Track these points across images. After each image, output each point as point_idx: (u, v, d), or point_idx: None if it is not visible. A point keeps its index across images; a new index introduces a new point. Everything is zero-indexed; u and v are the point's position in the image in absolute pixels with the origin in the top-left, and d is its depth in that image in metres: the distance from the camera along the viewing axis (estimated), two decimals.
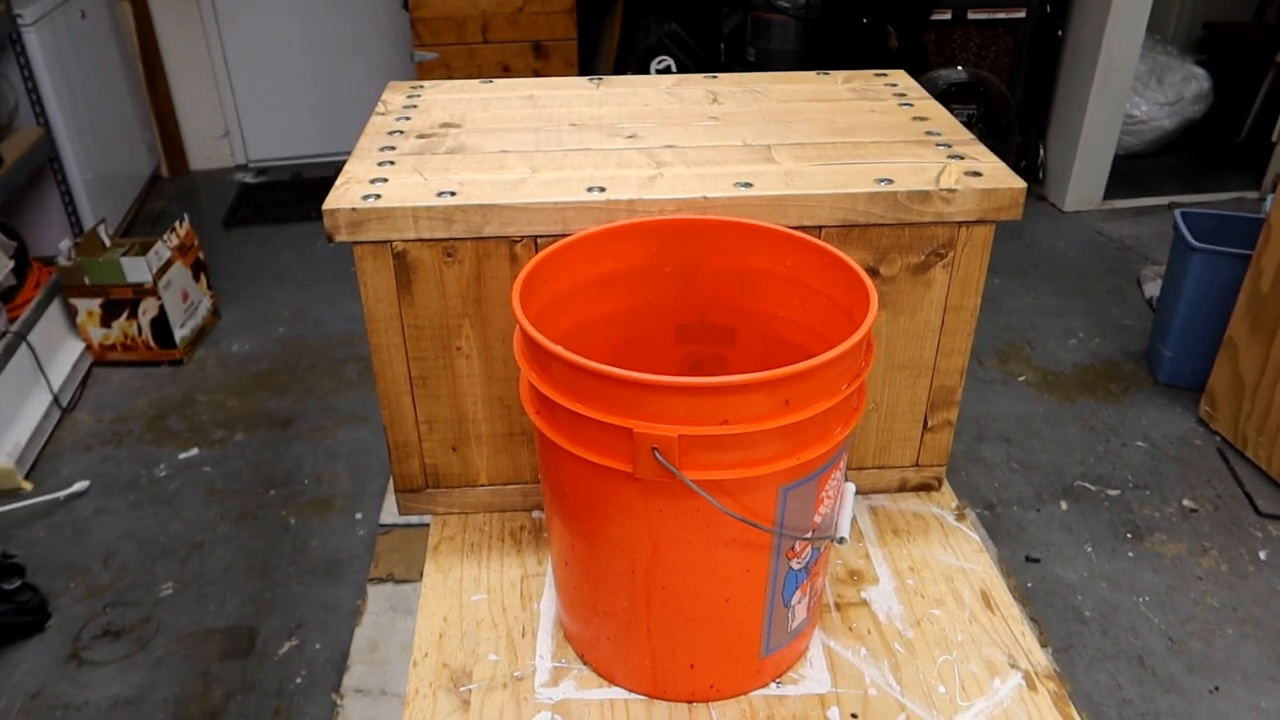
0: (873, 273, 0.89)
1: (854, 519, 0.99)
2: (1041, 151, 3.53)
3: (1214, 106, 3.73)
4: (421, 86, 1.13)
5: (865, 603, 0.90)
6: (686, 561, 0.72)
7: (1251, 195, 3.53)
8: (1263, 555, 1.99)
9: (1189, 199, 3.52)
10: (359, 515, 2.13)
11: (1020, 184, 0.86)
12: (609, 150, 0.94)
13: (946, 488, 1.04)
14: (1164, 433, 2.35)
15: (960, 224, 0.87)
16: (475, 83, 1.14)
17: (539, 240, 0.86)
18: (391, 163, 0.92)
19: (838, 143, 0.95)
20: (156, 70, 3.69)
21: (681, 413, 0.64)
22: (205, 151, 3.92)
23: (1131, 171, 3.62)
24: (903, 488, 1.03)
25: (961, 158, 0.91)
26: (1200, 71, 3.70)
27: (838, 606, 0.90)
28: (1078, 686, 1.72)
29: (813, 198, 0.85)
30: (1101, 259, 3.17)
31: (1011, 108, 3.26)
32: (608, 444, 0.67)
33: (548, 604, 0.90)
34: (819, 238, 0.87)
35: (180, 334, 2.63)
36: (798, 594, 0.78)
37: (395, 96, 1.10)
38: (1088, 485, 2.20)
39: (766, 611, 0.76)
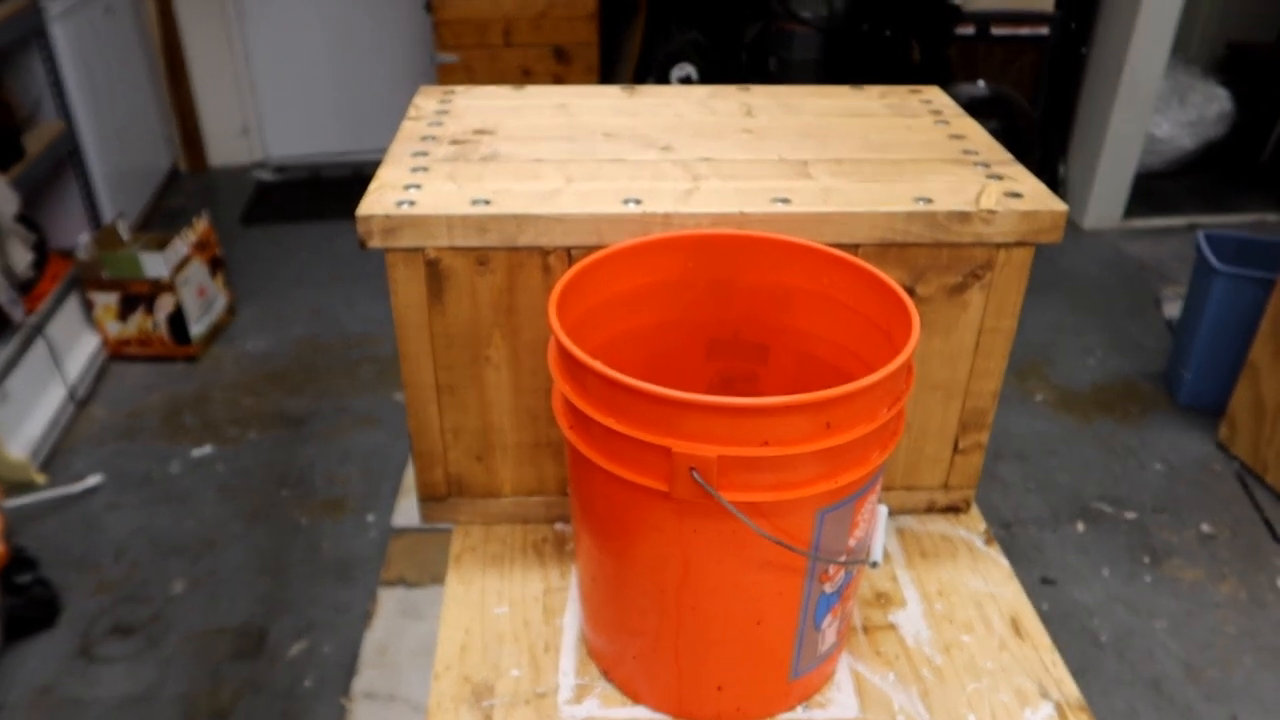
0: (909, 292, 0.88)
1: None
2: (1062, 169, 3.52)
3: (1235, 127, 3.71)
4: (453, 92, 1.12)
5: (893, 626, 0.89)
6: (718, 583, 0.71)
7: (1273, 218, 3.51)
8: None
9: (1209, 220, 3.50)
10: (371, 518, 2.13)
11: (1061, 207, 0.85)
12: (644, 161, 0.93)
13: (975, 510, 1.02)
14: (1182, 456, 2.33)
15: (999, 245, 0.86)
16: (507, 89, 1.13)
17: (572, 252, 0.85)
18: (425, 169, 0.91)
19: (874, 160, 0.94)
20: (179, 66, 3.70)
21: (722, 433, 0.63)
22: (224, 148, 3.93)
23: (1152, 191, 3.60)
24: (930, 509, 1.02)
25: (1001, 178, 0.90)
26: (1222, 92, 3.68)
27: (865, 629, 0.88)
28: (1094, 712, 1.70)
29: (851, 215, 0.84)
30: (1120, 278, 3.15)
31: (1033, 123, 3.24)
32: (644, 462, 0.66)
33: (571, 619, 0.89)
34: (856, 256, 0.86)
35: (196, 330, 2.63)
36: (829, 617, 0.77)
37: (427, 102, 1.09)
38: (1105, 507, 2.18)
39: (797, 635, 0.75)
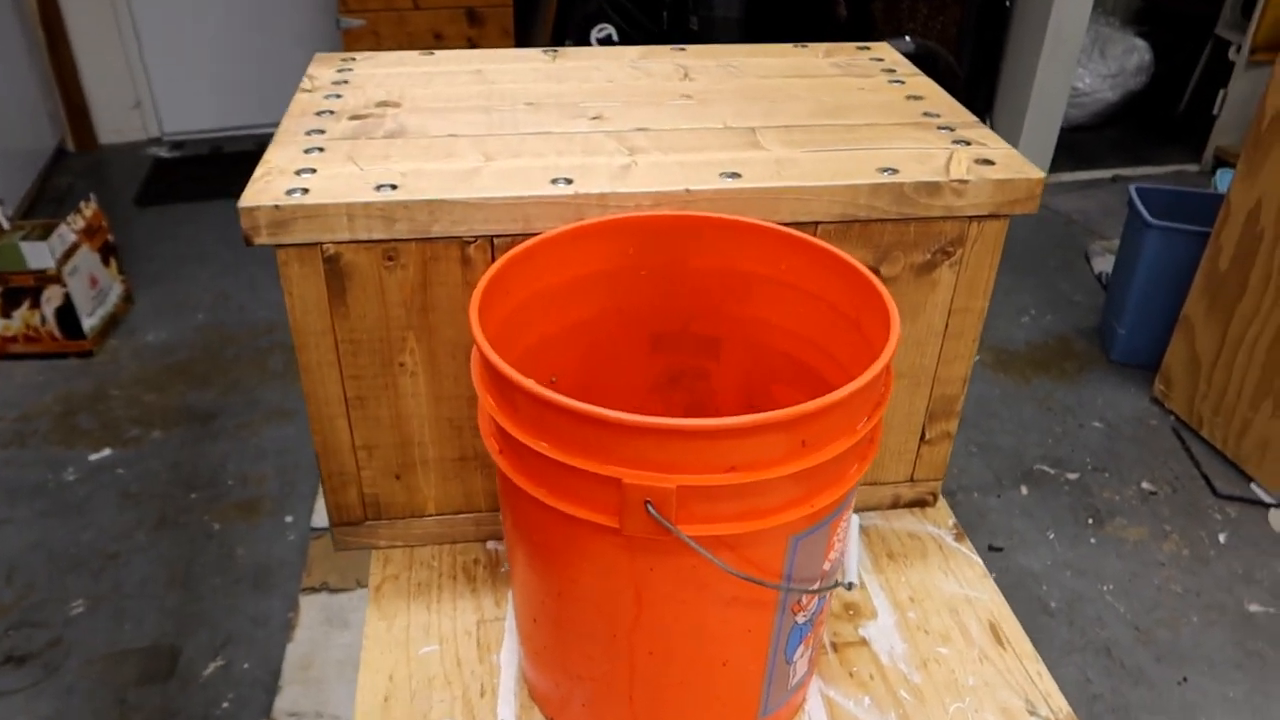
0: (873, 272, 0.79)
1: None
2: (989, 124, 3.48)
3: (1155, 78, 3.73)
4: (353, 59, 0.99)
5: (865, 641, 0.81)
6: (678, 624, 0.62)
7: (1191, 168, 3.54)
8: (1222, 538, 1.97)
9: (1131, 172, 3.51)
10: (289, 519, 1.99)
11: (1038, 173, 0.77)
12: (573, 134, 0.82)
13: (942, 504, 0.95)
14: (1119, 412, 2.33)
15: (971, 219, 0.78)
16: (415, 54, 1.01)
17: (496, 241, 0.74)
18: (320, 149, 0.79)
19: (829, 125, 0.85)
20: (58, 35, 3.42)
21: (681, 460, 0.53)
22: (115, 124, 3.66)
23: (1075, 144, 3.60)
24: (895, 504, 0.94)
25: (968, 143, 0.82)
26: (1141, 43, 3.69)
27: (835, 647, 0.80)
28: None
29: (809, 190, 0.74)
30: (1049, 234, 3.14)
31: (960, 80, 3.19)
32: (589, 494, 0.56)
33: (509, 655, 0.80)
34: (815, 235, 0.77)
35: (89, 323, 2.43)
36: (800, 648, 0.68)
37: (323, 70, 0.96)
38: (1047, 468, 2.16)
39: (766, 672, 0.66)
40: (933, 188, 0.75)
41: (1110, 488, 2.10)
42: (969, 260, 0.80)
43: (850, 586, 0.68)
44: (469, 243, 0.73)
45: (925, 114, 0.87)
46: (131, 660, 1.69)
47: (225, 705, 1.62)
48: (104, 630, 1.74)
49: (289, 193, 0.71)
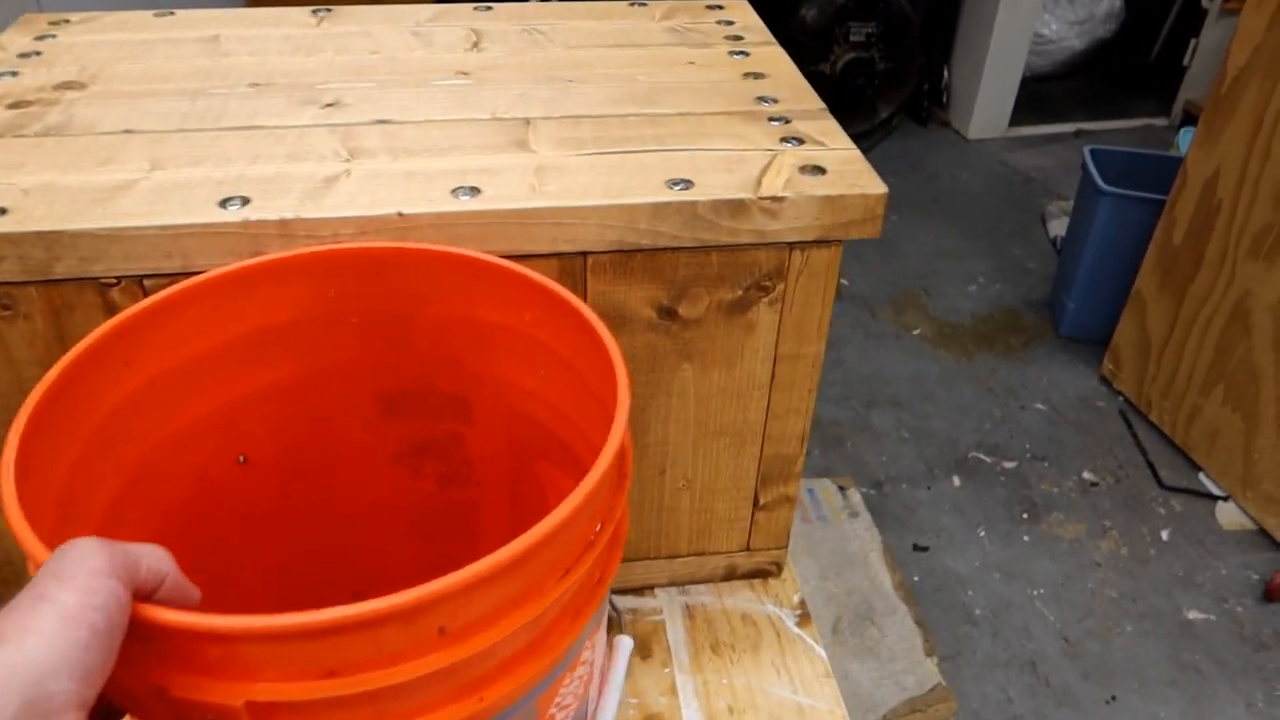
0: (669, 314, 0.62)
1: (664, 627, 0.74)
2: (946, 74, 3.28)
3: (1125, 25, 3.51)
4: (66, 21, 0.79)
5: None
6: None
7: (1160, 122, 3.35)
8: (1165, 535, 1.83)
9: (1096, 126, 3.32)
10: None
11: (879, 188, 0.59)
12: (287, 129, 0.63)
13: (790, 573, 0.79)
14: (1064, 393, 2.17)
15: (792, 245, 0.60)
16: (148, 16, 0.81)
17: (146, 282, 0.55)
18: None
19: (628, 116, 0.66)
20: None
21: (254, 663, 0.36)
22: None
23: (1038, 95, 3.39)
24: (731, 576, 0.78)
25: (800, 141, 0.63)
26: None
27: None
28: (964, 700, 1.54)
29: (569, 212, 0.56)
30: (1005, 193, 2.96)
31: (914, 25, 2.98)
32: (133, 701, 0.39)
33: None
34: (585, 268, 0.59)
35: None
36: None
37: (18, 38, 0.76)
38: (983, 456, 2.01)
39: None
40: (736, 207, 0.57)
41: (1049, 478, 1.96)
42: (794, 297, 0.62)
43: None
44: (109, 285, 0.55)
45: (759, 99, 0.69)
46: None
47: None
48: None
49: None
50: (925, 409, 2.12)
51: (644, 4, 0.86)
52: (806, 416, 0.68)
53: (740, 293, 0.61)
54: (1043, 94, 3.43)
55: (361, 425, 0.61)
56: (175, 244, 0.54)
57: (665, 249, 0.59)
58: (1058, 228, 2.74)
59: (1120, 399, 2.15)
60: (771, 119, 0.66)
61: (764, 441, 0.69)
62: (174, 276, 0.55)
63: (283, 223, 0.54)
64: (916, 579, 1.74)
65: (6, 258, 0.53)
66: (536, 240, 0.57)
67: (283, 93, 0.68)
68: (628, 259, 0.59)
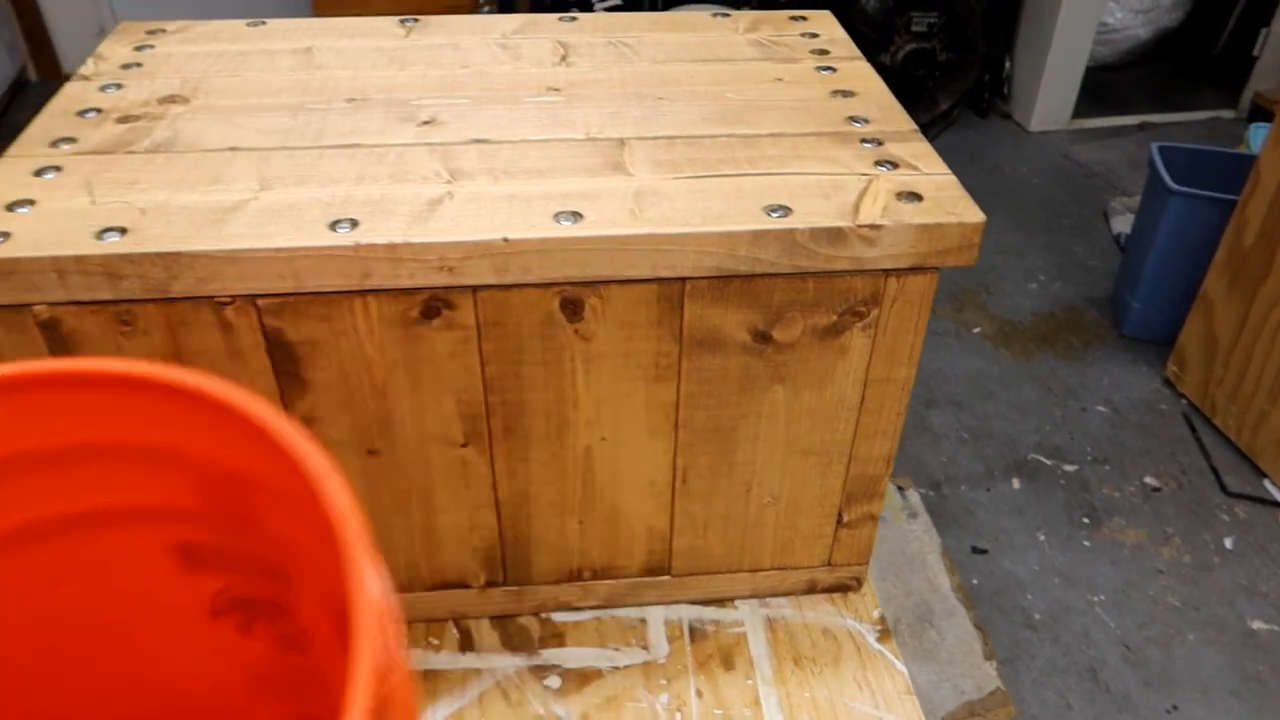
0: (763, 338, 0.62)
1: (745, 639, 0.75)
2: (1008, 64, 3.22)
3: (1191, 14, 3.42)
4: (162, 30, 0.81)
5: None
6: None
7: (1228, 115, 3.26)
8: (1228, 543, 1.80)
9: (1161, 118, 3.24)
10: None
11: (979, 217, 0.58)
12: (388, 147, 0.64)
13: (869, 589, 0.79)
14: (1127, 395, 2.14)
15: (888, 272, 0.60)
16: (241, 25, 0.82)
17: (260, 302, 0.57)
18: (58, 169, 0.61)
19: (721, 136, 0.66)
20: None
21: None
22: (79, 52, 3.46)
23: (1101, 85, 3.32)
24: (812, 590, 0.78)
25: (894, 165, 0.63)
26: None
27: None
28: (1023, 706, 1.54)
29: (669, 239, 0.57)
30: (1067, 187, 2.90)
31: (976, 15, 2.93)
32: None
33: None
34: (682, 293, 0.59)
35: None
36: None
37: (118, 48, 0.78)
38: (1043, 459, 1.98)
39: None
40: (834, 235, 0.57)
41: (1110, 482, 1.93)
42: (887, 323, 0.62)
43: None
44: (224, 304, 0.57)
45: (850, 119, 0.69)
46: None
47: None
48: None
49: None
50: (985, 409, 2.10)
51: (726, 14, 0.86)
52: (894, 438, 0.68)
53: (835, 318, 0.62)
54: (1106, 84, 3.36)
55: (160, 590, 0.47)
56: (288, 266, 0.55)
57: (762, 275, 0.59)
58: (1121, 224, 2.69)
59: (1184, 402, 2.11)
60: (864, 140, 0.66)
61: (850, 461, 0.69)
62: (285, 296, 0.57)
63: (391, 246, 0.55)
64: (975, 582, 1.73)
65: (128, 277, 0.55)
66: (636, 265, 0.57)
67: (379, 109, 0.69)
68: (725, 284, 0.59)
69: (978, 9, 2.93)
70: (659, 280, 0.58)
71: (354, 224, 0.56)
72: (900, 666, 0.73)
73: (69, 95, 0.71)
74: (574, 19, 0.85)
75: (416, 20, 0.84)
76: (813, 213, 0.58)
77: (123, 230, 0.56)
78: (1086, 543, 1.81)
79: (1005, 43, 3.17)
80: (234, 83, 0.73)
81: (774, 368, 0.63)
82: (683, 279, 0.59)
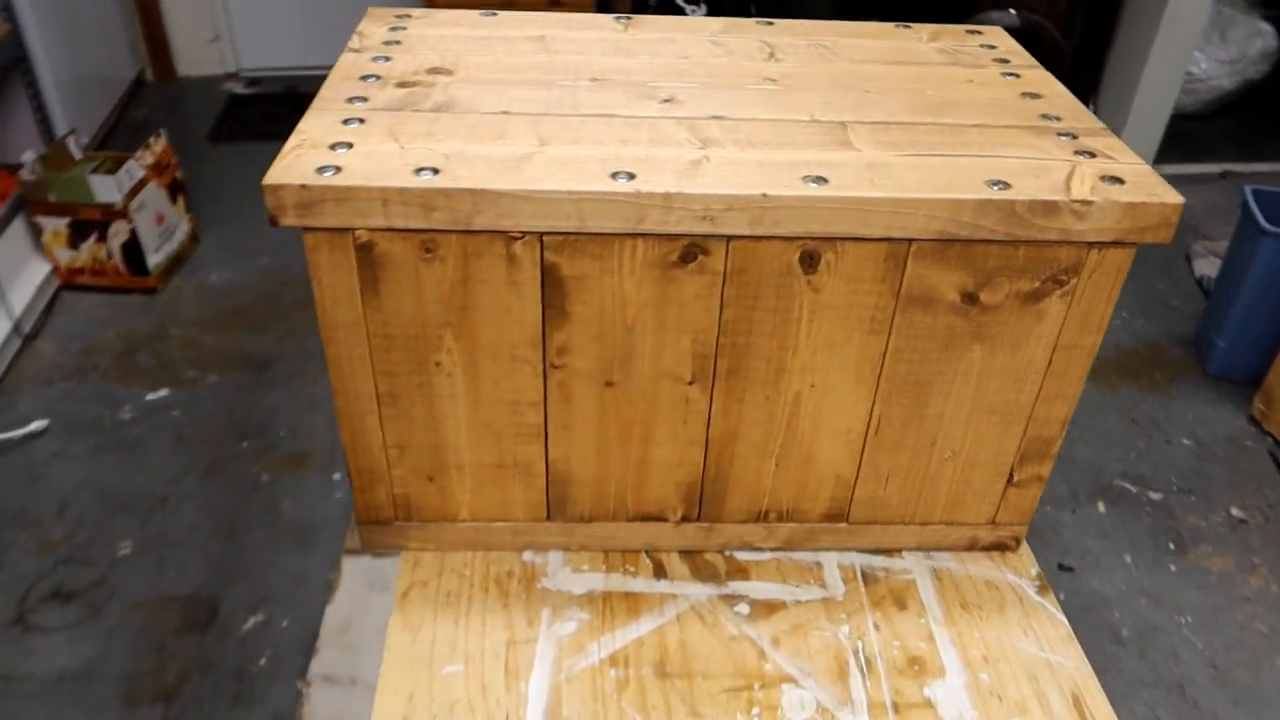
0: (971, 299, 0.70)
1: (915, 585, 0.82)
2: (1092, 107, 3.28)
3: (1277, 65, 3.46)
4: (409, 15, 0.92)
5: (930, 704, 0.73)
6: None
7: None
8: None
9: (1244, 167, 3.28)
10: (337, 476, 1.96)
11: (1177, 199, 0.66)
12: (640, 119, 0.74)
13: (1025, 550, 0.86)
14: (1212, 431, 2.17)
15: (1091, 245, 0.68)
16: (475, 14, 0.92)
17: (545, 238, 0.66)
18: (361, 121, 0.71)
19: (931, 124, 0.75)
20: None
21: None
22: (194, 56, 3.65)
23: (1183, 134, 3.37)
24: (972, 547, 0.85)
25: (1093, 155, 0.71)
26: (1268, 28, 3.42)
27: (896, 708, 0.72)
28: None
29: (905, 203, 0.65)
30: None
31: (1066, 58, 3.00)
32: None
33: (539, 683, 0.73)
34: (908, 253, 0.67)
35: (154, 260, 2.42)
36: None
37: (375, 28, 0.89)
38: (1128, 486, 2.02)
39: None
40: (1050, 207, 0.65)
41: (1196, 512, 1.97)
42: (1084, 292, 0.70)
43: None
44: (515, 239, 0.66)
45: (1043, 116, 0.77)
46: (173, 607, 1.69)
47: (262, 662, 1.61)
48: (148, 574, 1.74)
49: (320, 170, 0.64)
50: (1069, 435, 2.14)
51: (909, 26, 0.94)
52: (1072, 402, 0.76)
53: (1038, 284, 0.69)
54: (1189, 132, 3.40)
55: None
56: (575, 207, 0.64)
57: (980, 240, 0.67)
58: (1203, 267, 2.73)
59: (1270, 440, 2.14)
60: (1060, 134, 0.74)
61: (1029, 422, 0.77)
62: (567, 234, 0.66)
63: (666, 195, 0.64)
64: (1062, 597, 1.78)
65: (439, 209, 0.64)
66: (872, 226, 0.65)
67: (620, 88, 0.79)
68: (946, 247, 0.67)
69: (1067, 51, 3.00)
70: (889, 240, 0.66)
71: (630, 176, 0.65)
72: (1060, 617, 0.80)
73: (347, 64, 0.81)
74: (770, 24, 0.94)
75: (630, 18, 0.93)
76: (1029, 187, 0.66)
77: (435, 170, 0.65)
78: (1173, 567, 1.84)
79: (1091, 87, 3.23)
80: (486, 60, 0.83)
81: (976, 328, 0.71)
82: (909, 240, 0.67)
